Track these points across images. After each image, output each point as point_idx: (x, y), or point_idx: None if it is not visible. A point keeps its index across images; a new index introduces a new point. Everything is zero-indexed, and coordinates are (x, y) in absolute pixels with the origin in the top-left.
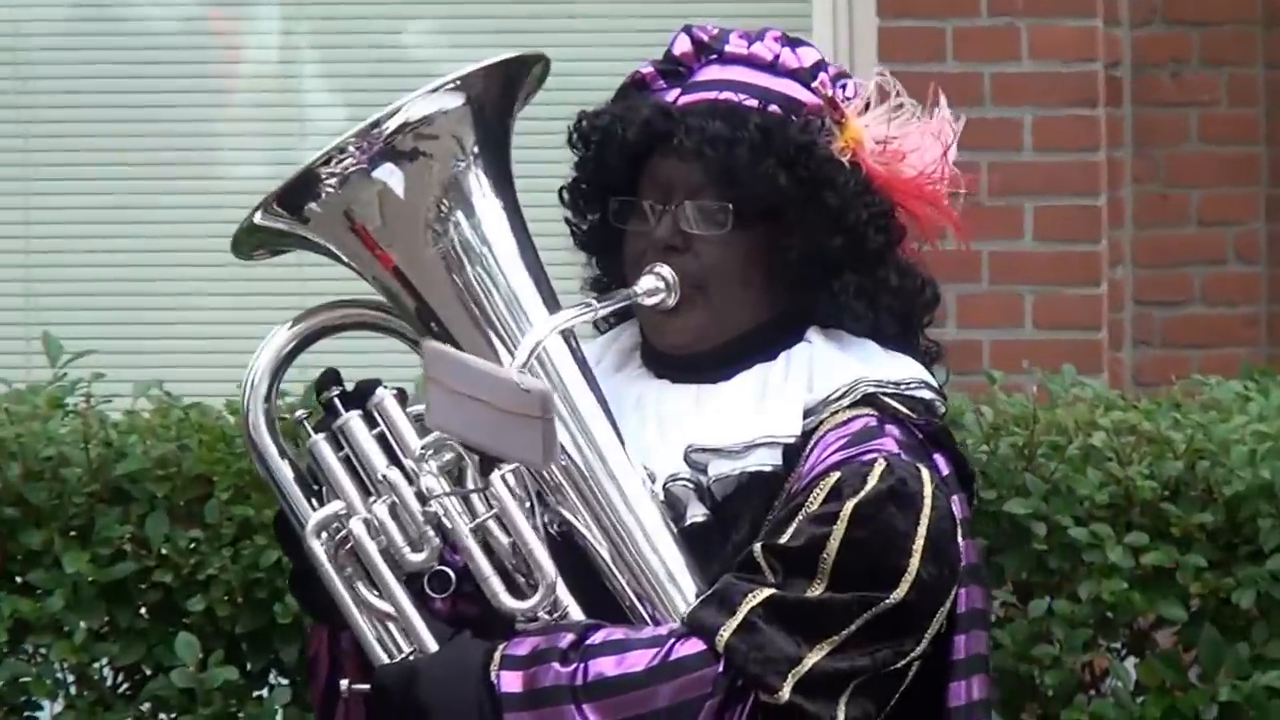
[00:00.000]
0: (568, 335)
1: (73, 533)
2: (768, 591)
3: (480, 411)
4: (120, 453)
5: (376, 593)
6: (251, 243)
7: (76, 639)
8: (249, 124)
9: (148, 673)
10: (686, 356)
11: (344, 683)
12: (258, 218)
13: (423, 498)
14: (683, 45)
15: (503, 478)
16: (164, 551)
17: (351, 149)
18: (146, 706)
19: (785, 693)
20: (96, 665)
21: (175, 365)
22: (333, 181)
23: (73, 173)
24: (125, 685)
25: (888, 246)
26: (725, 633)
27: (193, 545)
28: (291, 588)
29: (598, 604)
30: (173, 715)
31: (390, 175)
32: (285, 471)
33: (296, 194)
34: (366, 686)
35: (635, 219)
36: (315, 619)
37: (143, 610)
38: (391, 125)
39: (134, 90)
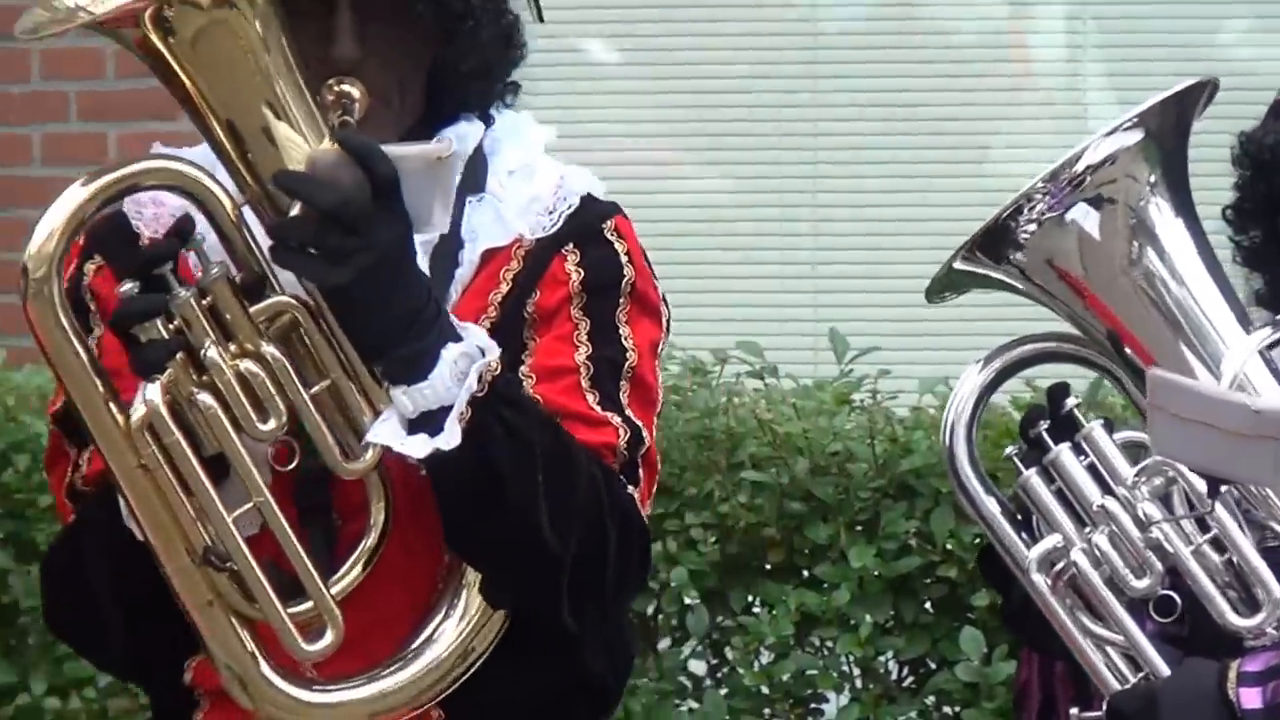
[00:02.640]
0: (1263, 352)
1: (859, 527)
2: None
3: (1208, 436)
4: (906, 449)
5: (1101, 621)
6: (946, 285)
7: (862, 633)
8: (1032, 122)
9: (932, 666)
10: None
11: (1074, 711)
12: (956, 263)
13: (1141, 524)
14: None
15: (1222, 499)
16: (949, 547)
17: (1041, 194)
18: (930, 700)
19: None
20: (881, 659)
21: (960, 362)
22: (1028, 226)
23: (858, 170)
24: (910, 679)
25: None
26: None
27: (976, 540)
28: (1005, 622)
29: None
30: (956, 709)
31: (1083, 216)
32: (992, 507)
33: (993, 240)
34: (1098, 714)
35: None
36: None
37: (927, 604)
38: (1078, 168)
39: (923, 89)
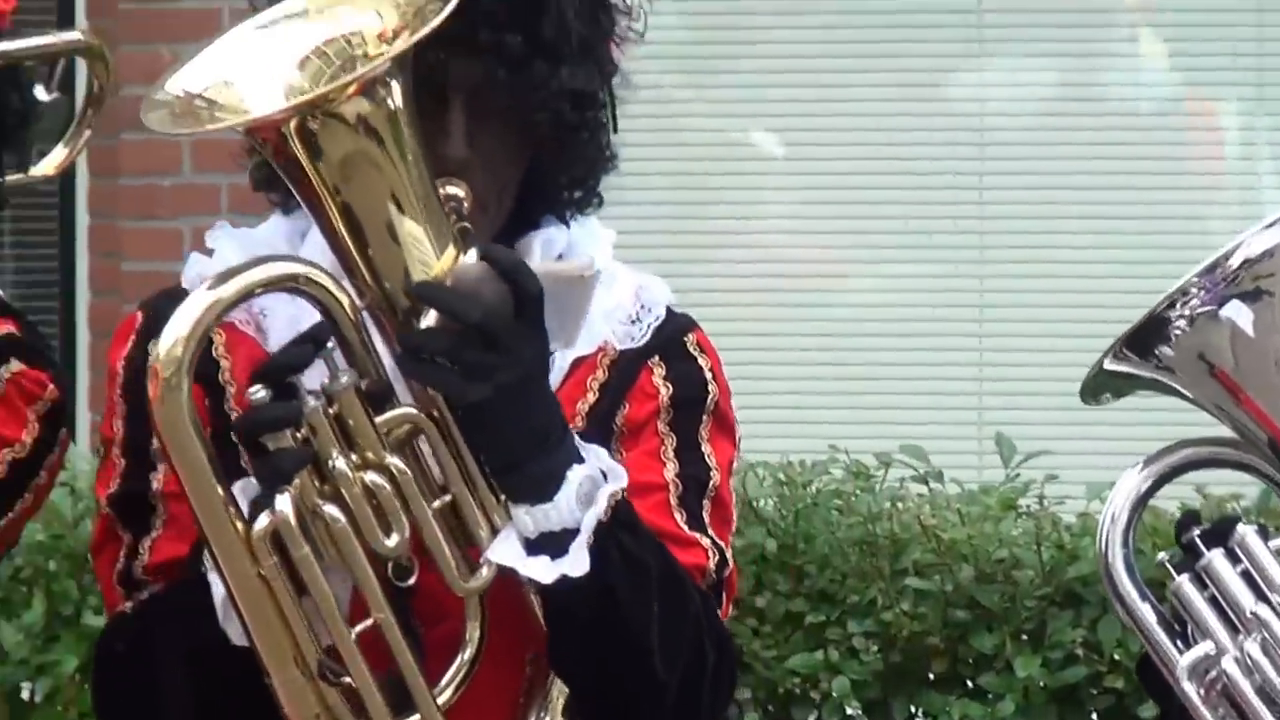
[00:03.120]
0: None
1: (1024, 636)
2: None
3: None
4: (1073, 555)
5: None
6: (1100, 387)
7: None
8: (1199, 221)
9: None
10: None
11: None
12: (1107, 363)
13: None
14: None
15: None
16: (1116, 656)
17: (1195, 289)
18: None
19: None
20: None
21: (1128, 468)
22: (1180, 323)
23: (1026, 269)
24: None
25: None
26: None
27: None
28: None
29: None
30: None
31: (1238, 312)
32: (1147, 614)
33: (1144, 338)
34: None
35: None
36: None
37: (1094, 716)
38: (1233, 263)
39: (1094, 187)
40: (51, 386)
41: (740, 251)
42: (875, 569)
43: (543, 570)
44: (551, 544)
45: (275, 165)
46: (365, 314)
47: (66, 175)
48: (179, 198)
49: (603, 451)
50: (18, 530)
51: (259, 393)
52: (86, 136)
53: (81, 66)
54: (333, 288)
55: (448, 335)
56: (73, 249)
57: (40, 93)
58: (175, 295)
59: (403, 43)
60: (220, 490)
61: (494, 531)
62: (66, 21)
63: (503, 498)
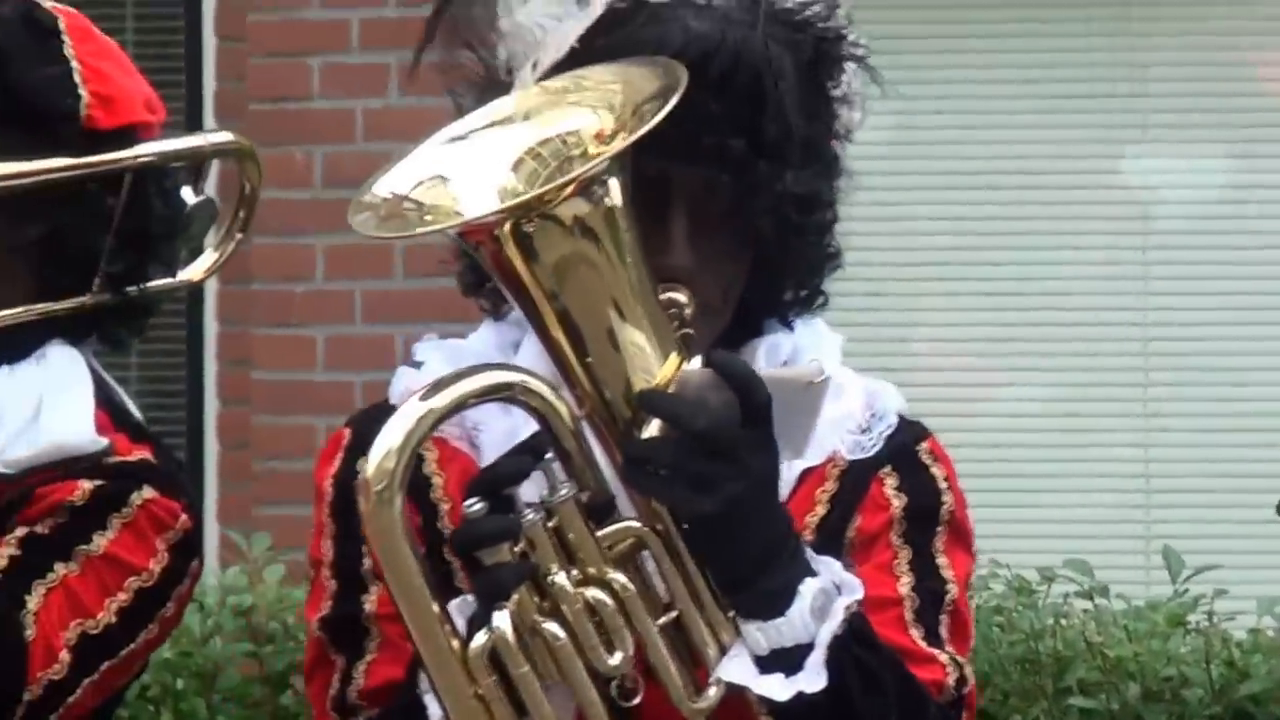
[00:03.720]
0: None
1: None
2: None
3: None
4: (1244, 673)
5: None
6: None
7: None
8: None
9: None
10: None
11: None
12: None
13: None
14: None
15: None
16: None
17: None
18: None
19: None
20: None
21: None
22: None
23: (1193, 376)
24: None
25: None
26: None
27: None
28: None
29: None
30: None
31: None
32: None
33: None
34: None
35: None
36: None
37: None
38: None
39: (1263, 291)
40: (184, 516)
41: (897, 360)
42: (1038, 687)
43: (777, 688)
44: (784, 660)
45: (489, 270)
46: (584, 423)
47: (205, 280)
48: (312, 304)
49: (836, 564)
50: (142, 659)
51: (475, 506)
52: (237, 240)
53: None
54: (550, 396)
55: (672, 445)
56: (201, 356)
57: (187, 195)
58: (383, 411)
59: (621, 142)
60: (435, 607)
61: (722, 649)
62: (195, 124)
63: (731, 613)
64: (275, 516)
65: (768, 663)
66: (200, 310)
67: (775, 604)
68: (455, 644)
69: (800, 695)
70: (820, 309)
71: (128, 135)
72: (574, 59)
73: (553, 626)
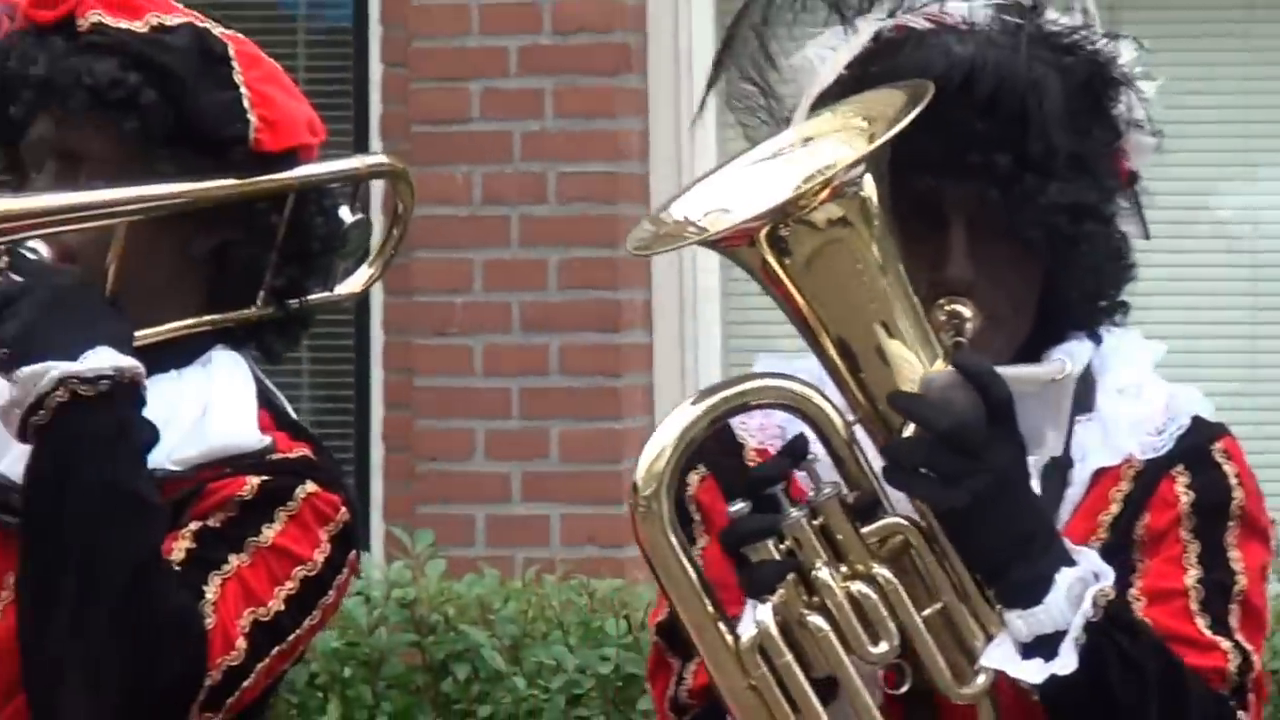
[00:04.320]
0: None
1: None
2: None
3: None
4: None
5: None
6: None
7: None
8: None
9: None
10: None
11: None
12: None
13: None
14: None
15: None
16: None
17: None
18: None
19: None
20: None
21: None
22: None
23: None
24: None
25: None
26: None
27: None
28: None
29: None
30: None
31: None
32: None
33: None
34: None
35: None
36: None
37: None
38: None
39: None
40: (344, 509)
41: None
42: None
43: (1033, 671)
44: (1045, 646)
45: (754, 277)
46: (857, 428)
47: (363, 293)
48: (471, 315)
49: (1094, 554)
50: (306, 644)
51: (739, 506)
52: (390, 256)
53: (376, 188)
54: (821, 402)
55: (923, 444)
56: (367, 365)
57: (345, 214)
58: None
59: (867, 145)
60: (709, 604)
61: (988, 639)
62: (362, 145)
63: (997, 605)
64: (436, 515)
65: (1030, 649)
66: (367, 321)
67: (1032, 592)
68: (729, 638)
69: (1053, 678)
70: (1120, 316)
71: (292, 156)
72: (845, 86)
73: (817, 619)
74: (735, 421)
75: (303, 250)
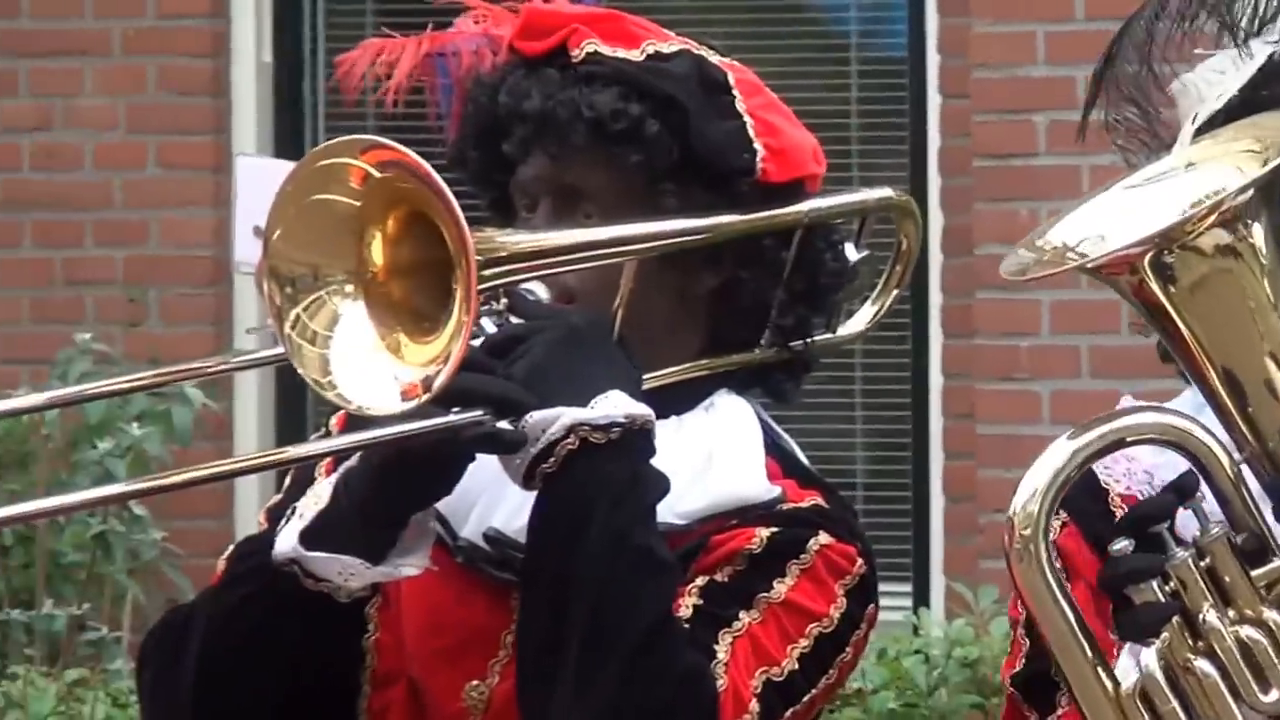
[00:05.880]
0: None
1: None
2: None
3: None
4: None
5: None
6: None
7: None
8: None
9: None
10: None
11: None
12: None
13: None
14: None
15: None
16: None
17: None
18: None
19: None
20: None
21: None
22: None
23: None
24: None
25: None
26: None
27: None
28: None
29: None
30: None
31: None
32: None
33: None
34: None
35: None
36: None
37: None
38: None
39: None
40: (860, 561)
41: None
42: None
43: None
44: None
45: (1137, 307)
46: (1244, 466)
47: (919, 336)
48: (1037, 359)
49: None
50: (821, 704)
51: (1122, 544)
52: (895, 296)
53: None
54: (1206, 439)
55: None
56: (925, 410)
57: (850, 251)
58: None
59: (1260, 169)
60: (1088, 650)
61: None
62: (919, 180)
63: None
64: (1001, 570)
65: None
66: (924, 364)
67: None
68: (1108, 684)
69: None
70: None
71: (797, 188)
72: (1232, 111)
73: (1204, 664)
74: (1098, 466)
75: (811, 288)
